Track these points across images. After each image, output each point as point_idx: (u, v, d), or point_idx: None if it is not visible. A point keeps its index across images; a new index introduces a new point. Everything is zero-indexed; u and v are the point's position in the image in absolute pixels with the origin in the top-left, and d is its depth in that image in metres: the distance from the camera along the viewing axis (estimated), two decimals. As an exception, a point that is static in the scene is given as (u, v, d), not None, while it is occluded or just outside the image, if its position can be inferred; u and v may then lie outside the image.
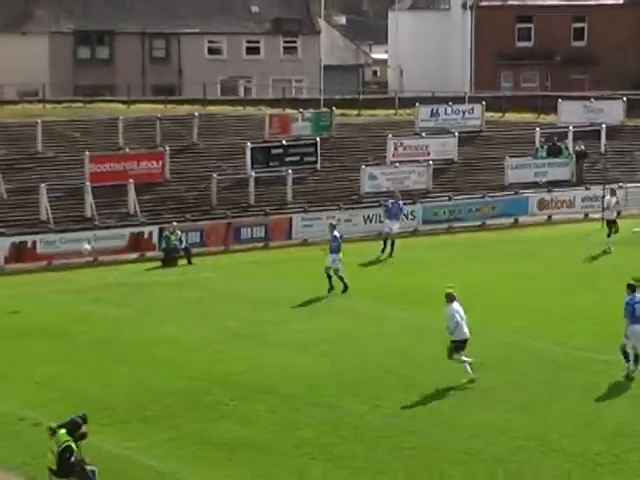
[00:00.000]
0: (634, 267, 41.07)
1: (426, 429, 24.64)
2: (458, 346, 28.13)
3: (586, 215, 55.45)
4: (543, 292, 38.16)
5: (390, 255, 45.54)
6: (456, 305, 28.50)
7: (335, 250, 39.08)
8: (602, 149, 60.30)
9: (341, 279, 38.60)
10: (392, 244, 45.78)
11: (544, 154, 59.39)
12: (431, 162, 57.32)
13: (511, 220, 54.68)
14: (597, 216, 53.24)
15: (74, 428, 20.67)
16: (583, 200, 56.30)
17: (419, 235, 51.83)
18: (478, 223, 53.94)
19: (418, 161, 57.41)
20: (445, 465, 22.51)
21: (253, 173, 54.14)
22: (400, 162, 57.06)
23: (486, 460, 22.70)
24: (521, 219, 54.89)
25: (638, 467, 22.38)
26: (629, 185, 56.57)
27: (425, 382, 27.82)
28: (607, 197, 49.09)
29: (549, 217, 55.47)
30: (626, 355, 27.88)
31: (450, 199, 55.06)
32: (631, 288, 28.49)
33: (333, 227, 40.63)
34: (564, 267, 42.52)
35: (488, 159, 59.22)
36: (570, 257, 44.78)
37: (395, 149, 57.86)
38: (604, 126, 61.64)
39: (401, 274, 42.18)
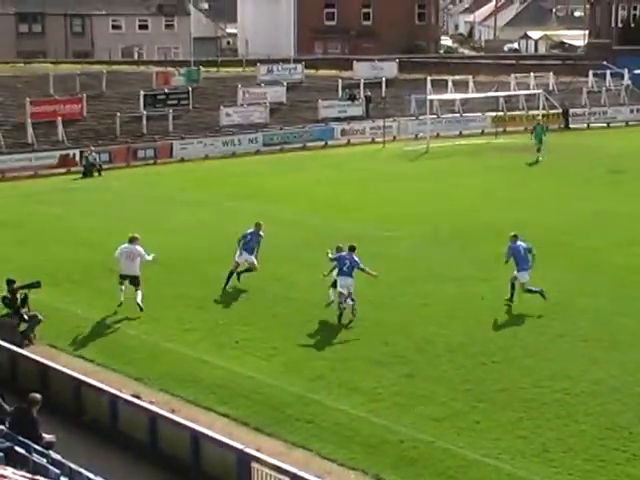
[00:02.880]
0: (406, 174, 41.87)
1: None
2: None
3: (373, 139, 55.74)
4: (346, 191, 38.33)
5: None
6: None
7: None
8: (383, 94, 60.48)
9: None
10: None
11: (346, 98, 59.44)
12: (268, 104, 57.00)
13: (323, 143, 54.71)
14: (380, 140, 53.78)
15: (12, 289, 20.73)
16: (371, 129, 56.58)
17: (261, 154, 51.75)
18: (301, 145, 53.85)
19: (259, 103, 57.02)
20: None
21: (145, 112, 53.12)
22: (247, 104, 56.65)
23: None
24: (330, 142, 54.90)
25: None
26: (400, 119, 57.07)
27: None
28: None
29: (348, 141, 55.66)
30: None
31: (282, 129, 54.78)
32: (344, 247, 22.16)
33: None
34: (359, 174, 42.84)
35: (307, 101, 58.89)
36: (363, 167, 45.21)
37: (243, 95, 57.29)
38: (384, 79, 61.95)
39: (250, 179, 41.98)
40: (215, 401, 17.52)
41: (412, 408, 16.98)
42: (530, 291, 22.34)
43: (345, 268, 21.51)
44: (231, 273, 24.02)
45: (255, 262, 24.08)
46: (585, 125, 59.93)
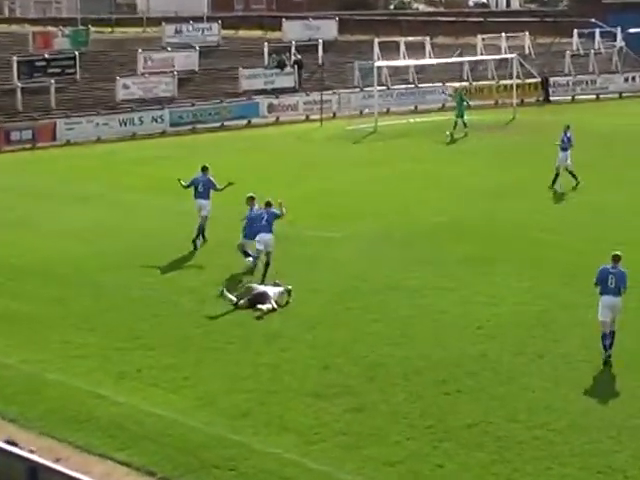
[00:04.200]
0: (349, 159, 42.08)
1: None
2: None
3: (307, 117, 56.01)
4: (273, 181, 38.49)
5: None
6: None
7: None
8: (319, 61, 60.78)
9: None
10: None
11: (275, 65, 59.60)
12: (176, 73, 56.94)
13: (245, 122, 54.83)
14: (316, 117, 54.02)
15: None
16: (305, 104, 56.85)
17: (167, 136, 51.67)
18: (218, 125, 53.90)
19: (165, 72, 56.93)
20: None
21: (19, 84, 52.81)
22: (150, 73, 56.54)
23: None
24: (253, 120, 55.09)
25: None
26: (342, 91, 57.41)
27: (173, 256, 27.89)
28: None
29: (277, 118, 55.82)
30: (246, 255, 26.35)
31: (193, 105, 54.86)
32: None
33: None
34: (291, 159, 43.00)
35: (225, 70, 59.09)
36: (296, 151, 45.37)
37: (145, 62, 57.22)
38: (321, 42, 62.20)
39: (154, 167, 41.79)
40: (112, 446, 17.43)
41: (359, 450, 17.07)
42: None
43: (264, 222, 25.21)
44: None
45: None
46: (569, 97, 60.87)
